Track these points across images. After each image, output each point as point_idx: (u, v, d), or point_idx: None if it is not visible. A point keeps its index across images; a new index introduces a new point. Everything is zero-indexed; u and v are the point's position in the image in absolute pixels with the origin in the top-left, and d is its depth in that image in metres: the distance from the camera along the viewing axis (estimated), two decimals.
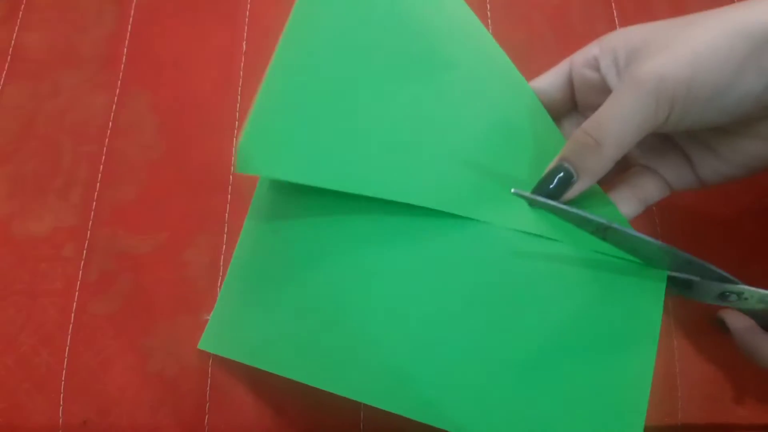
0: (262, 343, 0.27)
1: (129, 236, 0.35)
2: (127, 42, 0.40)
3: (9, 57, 0.40)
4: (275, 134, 0.26)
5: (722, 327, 0.27)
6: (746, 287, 0.24)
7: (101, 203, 0.35)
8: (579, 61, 0.27)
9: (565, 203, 0.25)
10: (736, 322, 0.26)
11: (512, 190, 0.24)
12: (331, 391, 0.24)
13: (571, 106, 0.29)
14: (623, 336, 0.24)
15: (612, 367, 0.23)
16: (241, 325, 0.29)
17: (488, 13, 0.40)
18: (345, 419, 0.31)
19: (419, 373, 0.24)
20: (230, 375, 0.32)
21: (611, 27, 0.39)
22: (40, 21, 0.41)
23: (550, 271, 0.25)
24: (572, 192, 0.24)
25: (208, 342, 0.31)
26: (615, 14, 0.39)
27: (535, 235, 0.25)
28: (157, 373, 0.32)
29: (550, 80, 0.28)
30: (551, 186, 0.24)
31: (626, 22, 0.39)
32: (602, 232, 0.24)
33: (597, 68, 0.26)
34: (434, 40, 0.28)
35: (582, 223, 0.24)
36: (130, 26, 0.40)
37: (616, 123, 0.23)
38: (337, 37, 0.28)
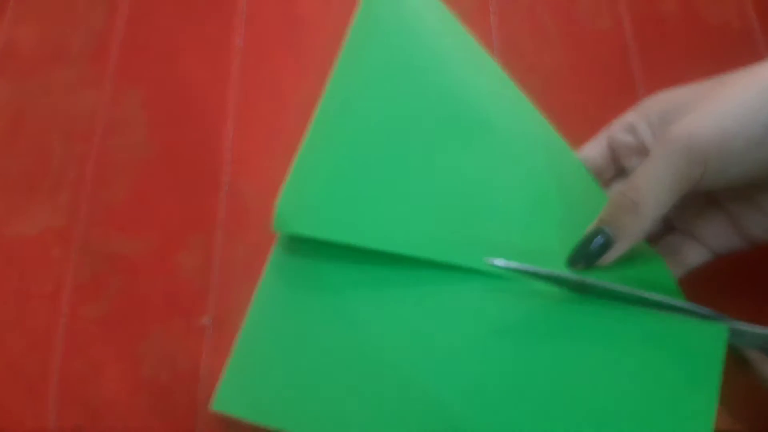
0: (291, 405, 0.27)
1: (120, 237, 0.34)
2: (118, 38, 0.39)
3: None
4: (314, 197, 0.28)
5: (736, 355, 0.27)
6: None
7: (92, 203, 0.35)
8: (617, 127, 0.28)
9: (537, 266, 0.25)
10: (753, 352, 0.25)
11: (485, 259, 0.25)
12: None
13: (617, 172, 0.29)
14: (681, 395, 0.23)
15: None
16: (265, 387, 0.28)
17: (490, 7, 0.39)
18: None
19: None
20: None
21: (617, 22, 0.38)
22: (30, 16, 0.40)
23: (601, 333, 0.25)
24: (610, 255, 0.25)
25: (224, 403, 0.29)
26: (620, 9, 0.38)
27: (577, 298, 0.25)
28: (149, 378, 0.31)
29: (591, 147, 0.29)
30: (590, 249, 0.25)
31: (634, 16, 0.38)
32: (581, 287, 0.25)
33: (634, 132, 0.27)
34: (473, 100, 0.29)
35: (559, 283, 0.25)
36: (122, 21, 0.39)
37: (651, 183, 0.23)
38: (380, 98, 0.29)
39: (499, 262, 0.24)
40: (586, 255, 0.25)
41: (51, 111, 0.37)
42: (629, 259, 0.26)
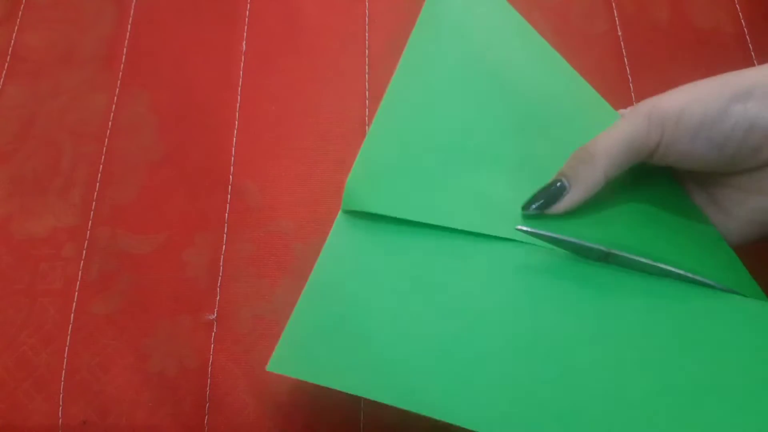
0: (348, 364, 0.27)
1: (128, 236, 0.35)
2: (126, 42, 0.40)
3: (9, 57, 0.40)
4: (380, 178, 0.30)
5: None
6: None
7: (101, 203, 0.35)
8: None
9: (563, 234, 0.26)
10: None
11: (517, 227, 0.26)
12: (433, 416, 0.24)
13: None
14: None
15: None
16: (322, 347, 0.28)
17: None
18: (344, 417, 0.31)
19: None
20: (230, 375, 0.32)
21: (611, 26, 0.38)
22: (40, 21, 0.41)
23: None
24: (564, 203, 0.27)
25: (279, 364, 0.29)
26: (615, 13, 0.39)
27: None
28: (156, 374, 0.32)
29: None
30: (546, 194, 0.27)
31: (626, 21, 0.38)
32: (604, 258, 0.26)
33: None
34: (539, 93, 0.31)
35: (584, 252, 0.26)
36: (129, 26, 0.40)
37: (610, 140, 0.26)
38: (448, 86, 0.31)
39: (524, 228, 0.26)
40: (542, 199, 0.27)
41: (61, 113, 0.38)
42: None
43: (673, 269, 0.26)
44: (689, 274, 0.26)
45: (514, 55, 0.32)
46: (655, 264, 0.26)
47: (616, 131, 0.26)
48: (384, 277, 0.28)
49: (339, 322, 0.28)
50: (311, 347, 0.28)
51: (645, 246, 0.27)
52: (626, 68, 0.37)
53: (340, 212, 0.32)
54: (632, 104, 0.35)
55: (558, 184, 0.27)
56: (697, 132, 0.25)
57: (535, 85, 0.31)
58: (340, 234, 0.31)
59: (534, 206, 0.27)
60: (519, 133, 0.30)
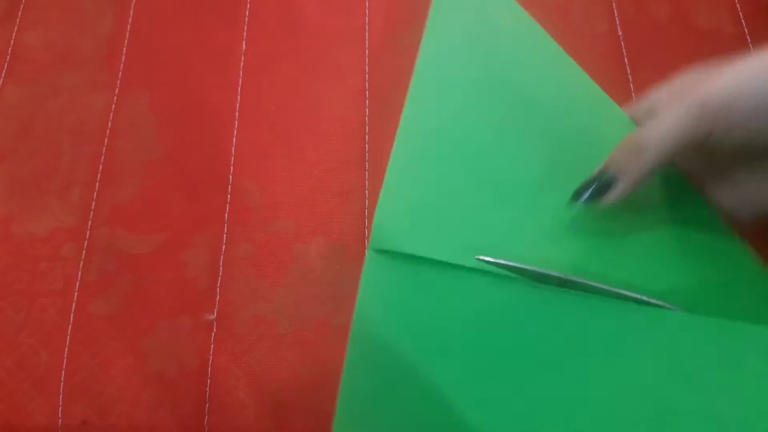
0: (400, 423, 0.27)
1: (128, 236, 0.35)
2: (126, 42, 0.40)
3: (8, 57, 0.39)
4: (407, 215, 0.29)
5: None
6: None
7: (100, 203, 0.35)
8: (637, 106, 0.30)
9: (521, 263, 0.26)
10: None
11: (476, 257, 0.26)
12: None
13: None
14: None
15: None
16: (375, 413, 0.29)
17: None
18: None
19: None
20: (230, 375, 0.32)
21: (612, 27, 0.39)
22: (40, 21, 0.41)
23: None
24: (612, 194, 0.26)
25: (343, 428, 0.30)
26: (615, 13, 0.39)
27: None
28: (156, 374, 0.32)
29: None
30: (595, 186, 0.27)
31: (626, 21, 0.38)
32: (562, 284, 0.26)
33: (652, 109, 0.29)
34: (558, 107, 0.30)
35: (545, 280, 0.26)
36: (129, 26, 0.40)
37: (660, 132, 0.25)
38: (467, 105, 0.31)
39: (486, 258, 0.26)
40: (592, 190, 0.26)
41: (60, 113, 0.38)
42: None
43: (627, 293, 0.26)
44: (642, 297, 0.26)
45: (528, 62, 0.32)
46: (609, 288, 0.26)
47: (667, 124, 0.25)
48: (421, 321, 0.28)
49: (389, 383, 0.28)
50: (368, 412, 0.28)
51: (603, 270, 0.27)
52: (626, 68, 0.37)
53: (369, 249, 0.31)
54: (631, 101, 0.34)
55: (607, 175, 0.26)
56: (747, 120, 0.24)
57: (551, 96, 0.31)
58: (373, 275, 0.31)
59: (585, 197, 0.27)
60: (540, 149, 0.30)
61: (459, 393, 0.26)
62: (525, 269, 0.26)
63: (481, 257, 0.26)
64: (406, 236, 0.29)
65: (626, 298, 0.26)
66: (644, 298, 0.26)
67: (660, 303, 0.26)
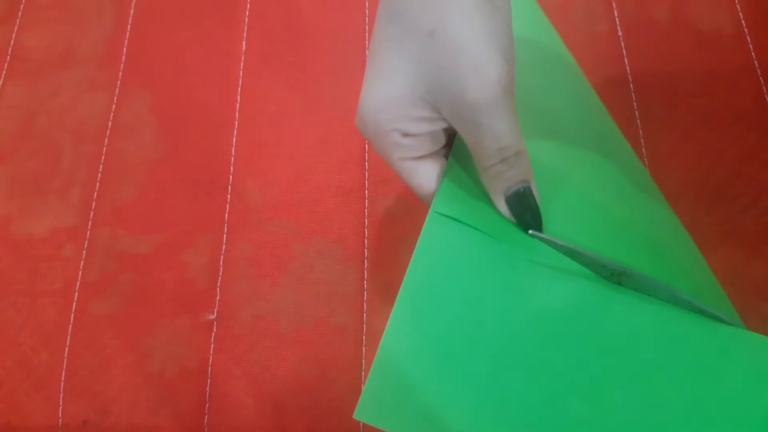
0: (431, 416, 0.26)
1: (128, 236, 0.35)
2: (126, 42, 0.40)
3: (8, 57, 0.40)
4: (395, 395, 0.26)
5: None
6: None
7: (101, 203, 0.35)
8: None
9: (579, 247, 0.25)
10: None
11: (530, 232, 0.25)
12: None
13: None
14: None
15: None
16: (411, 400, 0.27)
17: None
18: (344, 419, 0.31)
19: None
20: (230, 375, 0.32)
21: (612, 27, 0.39)
22: (40, 21, 0.41)
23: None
24: (535, 196, 0.26)
25: (366, 413, 0.27)
26: (615, 13, 0.39)
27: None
28: (156, 374, 0.32)
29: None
30: (526, 204, 0.26)
31: (626, 21, 0.39)
32: (617, 277, 0.25)
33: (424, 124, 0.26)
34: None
35: (598, 269, 0.25)
36: (129, 26, 0.40)
37: (509, 130, 0.24)
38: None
39: (540, 234, 0.25)
40: (527, 211, 0.26)
41: (61, 113, 0.38)
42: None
43: (684, 297, 0.25)
44: (697, 303, 0.25)
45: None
46: (670, 289, 0.25)
47: (503, 121, 0.23)
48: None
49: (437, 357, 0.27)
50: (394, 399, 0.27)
51: (656, 270, 0.26)
52: (626, 68, 0.37)
53: (431, 211, 0.30)
54: (632, 104, 0.34)
55: (522, 189, 0.25)
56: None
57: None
58: (434, 236, 0.29)
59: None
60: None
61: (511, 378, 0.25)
62: (581, 253, 0.25)
63: (535, 233, 0.25)
64: (469, 208, 0.28)
65: (683, 303, 0.25)
66: (708, 309, 0.25)
67: (718, 315, 0.25)
